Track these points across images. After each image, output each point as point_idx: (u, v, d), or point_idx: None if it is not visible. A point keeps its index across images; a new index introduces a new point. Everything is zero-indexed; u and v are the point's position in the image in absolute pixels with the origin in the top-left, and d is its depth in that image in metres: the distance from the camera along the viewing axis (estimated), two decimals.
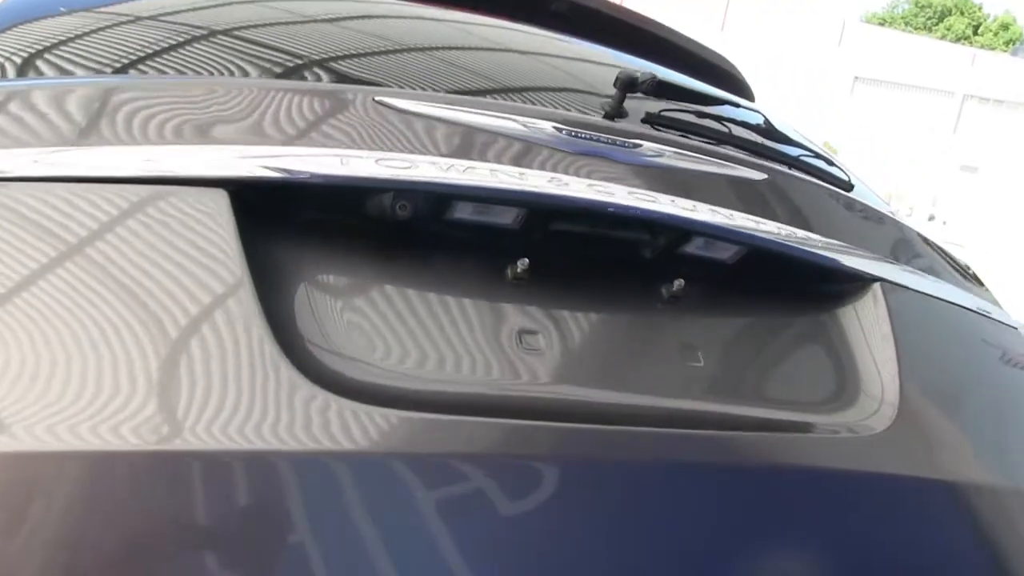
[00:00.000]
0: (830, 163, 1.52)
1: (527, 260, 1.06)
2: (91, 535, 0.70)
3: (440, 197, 1.01)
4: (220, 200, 0.86)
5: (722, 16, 46.69)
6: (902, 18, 66.69)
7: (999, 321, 1.41)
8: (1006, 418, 1.27)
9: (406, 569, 0.80)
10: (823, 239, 1.23)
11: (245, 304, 0.82)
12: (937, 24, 64.71)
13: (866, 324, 1.23)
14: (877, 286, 1.24)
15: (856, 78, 44.19)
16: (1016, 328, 1.44)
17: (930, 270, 1.37)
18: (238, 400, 0.78)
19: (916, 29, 60.39)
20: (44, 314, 0.76)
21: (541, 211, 1.06)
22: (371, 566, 0.78)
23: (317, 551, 0.76)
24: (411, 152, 1.00)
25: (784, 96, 44.62)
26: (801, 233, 1.21)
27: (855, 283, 1.26)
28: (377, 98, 1.03)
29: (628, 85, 1.18)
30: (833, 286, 1.27)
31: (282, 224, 0.94)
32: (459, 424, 0.87)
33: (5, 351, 0.74)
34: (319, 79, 1.15)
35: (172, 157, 0.87)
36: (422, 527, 0.81)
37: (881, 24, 58.86)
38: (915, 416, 1.13)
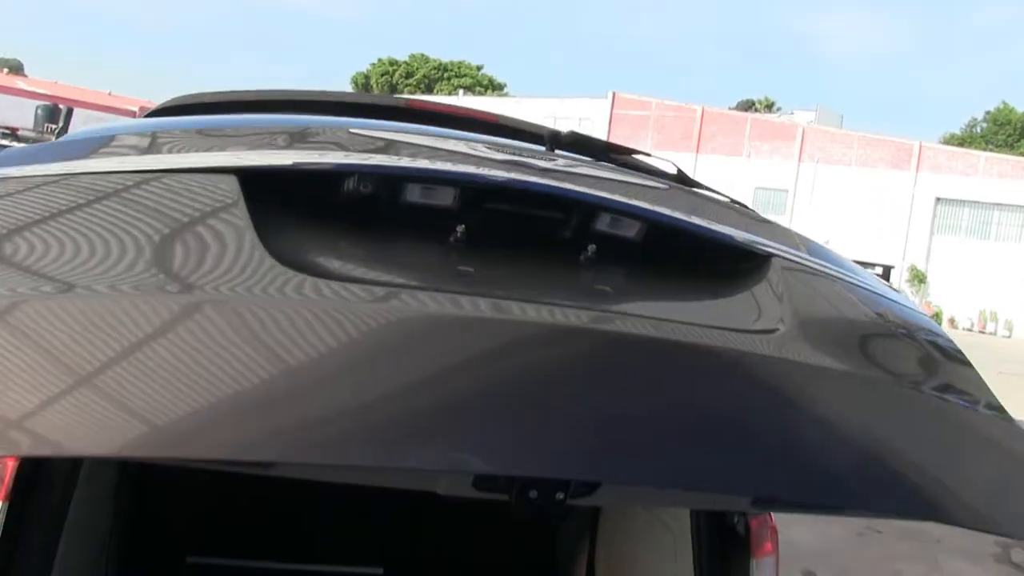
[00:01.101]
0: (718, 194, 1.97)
1: (463, 226, 1.46)
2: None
3: (392, 178, 1.47)
4: (233, 181, 1.40)
5: (797, 150, 48.14)
6: (982, 137, 66.85)
7: (842, 277, 1.81)
8: (856, 330, 1.72)
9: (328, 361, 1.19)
10: (716, 224, 1.68)
11: (247, 232, 1.32)
12: (1019, 140, 64.62)
13: (769, 279, 1.66)
14: (774, 259, 1.70)
15: (938, 199, 44.74)
16: (859, 282, 1.86)
17: (810, 251, 1.83)
18: (239, 275, 1.24)
19: (997, 147, 60.45)
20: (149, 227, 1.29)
21: (473, 190, 1.49)
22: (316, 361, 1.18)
23: (292, 355, 1.17)
24: (372, 153, 1.50)
25: (866, 221, 45.54)
26: (695, 218, 1.64)
27: (759, 258, 1.70)
28: (352, 130, 1.59)
29: (553, 137, 1.71)
30: (745, 263, 1.71)
31: (279, 198, 1.42)
32: (385, 291, 1.30)
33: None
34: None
35: (212, 158, 1.47)
36: (356, 344, 1.23)
37: (960, 144, 59.18)
38: (798, 328, 1.54)
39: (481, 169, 1.51)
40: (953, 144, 59.26)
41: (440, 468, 1.33)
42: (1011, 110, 68.19)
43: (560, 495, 1.44)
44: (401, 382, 1.23)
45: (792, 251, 1.77)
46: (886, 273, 46.16)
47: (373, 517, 3.21)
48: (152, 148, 1.51)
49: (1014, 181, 43.66)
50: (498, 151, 1.59)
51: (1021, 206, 43.77)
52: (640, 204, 1.60)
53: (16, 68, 60.63)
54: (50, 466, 1.95)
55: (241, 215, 1.33)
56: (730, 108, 56.96)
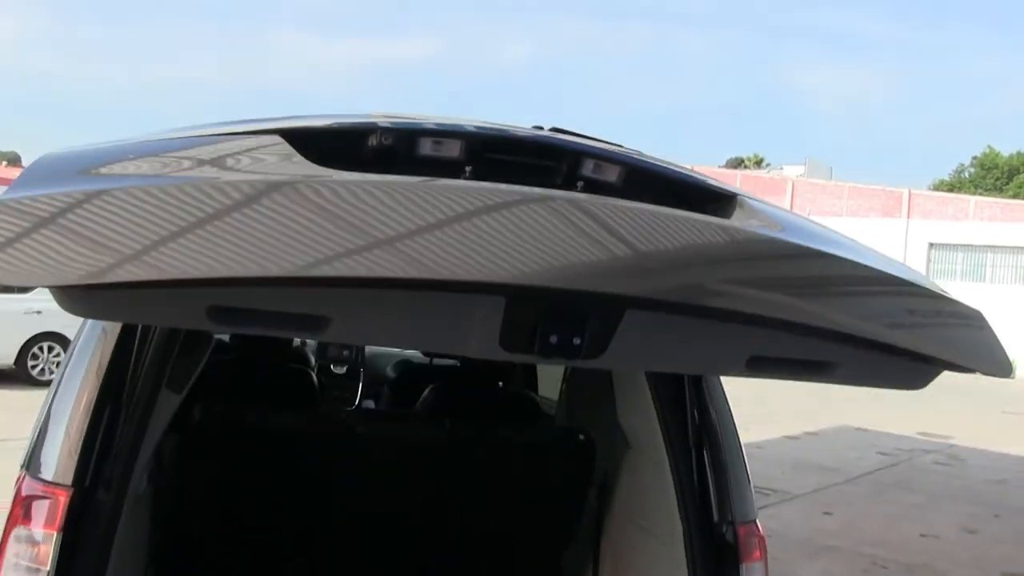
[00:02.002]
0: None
1: (470, 167, 1.75)
2: None
3: (408, 133, 1.78)
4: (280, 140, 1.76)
5: (788, 203, 48.74)
6: (970, 182, 67.69)
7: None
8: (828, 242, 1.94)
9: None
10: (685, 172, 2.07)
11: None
12: (1007, 183, 65.51)
13: (735, 206, 2.00)
14: (739, 197, 2.04)
15: (931, 245, 45.19)
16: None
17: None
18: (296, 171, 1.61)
19: (986, 191, 61.28)
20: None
21: (476, 142, 1.79)
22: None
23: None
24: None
25: None
26: (670, 166, 2.01)
27: (728, 198, 2.03)
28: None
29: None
30: (714, 204, 2.01)
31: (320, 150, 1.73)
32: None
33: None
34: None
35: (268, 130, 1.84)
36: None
37: (950, 190, 60.01)
38: (743, 219, 1.92)
39: None
40: (943, 190, 60.12)
41: (473, 279, 1.45)
42: (996, 154, 69.20)
43: (577, 340, 1.58)
44: (439, 217, 1.44)
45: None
46: None
47: (385, 563, 3.29)
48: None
49: (1005, 224, 44.17)
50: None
51: (1014, 247, 44.22)
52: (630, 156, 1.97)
53: (13, 160, 61.51)
54: (97, 499, 2.23)
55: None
56: (720, 167, 57.72)
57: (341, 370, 5.76)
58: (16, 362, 12.21)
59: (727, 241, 1.66)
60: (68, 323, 12.48)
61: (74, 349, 2.49)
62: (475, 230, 1.44)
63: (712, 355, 1.83)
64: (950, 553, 8.12)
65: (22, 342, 12.17)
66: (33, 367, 12.21)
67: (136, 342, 2.35)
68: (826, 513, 9.25)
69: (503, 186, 1.56)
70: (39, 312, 12.06)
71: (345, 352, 5.71)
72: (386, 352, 6.11)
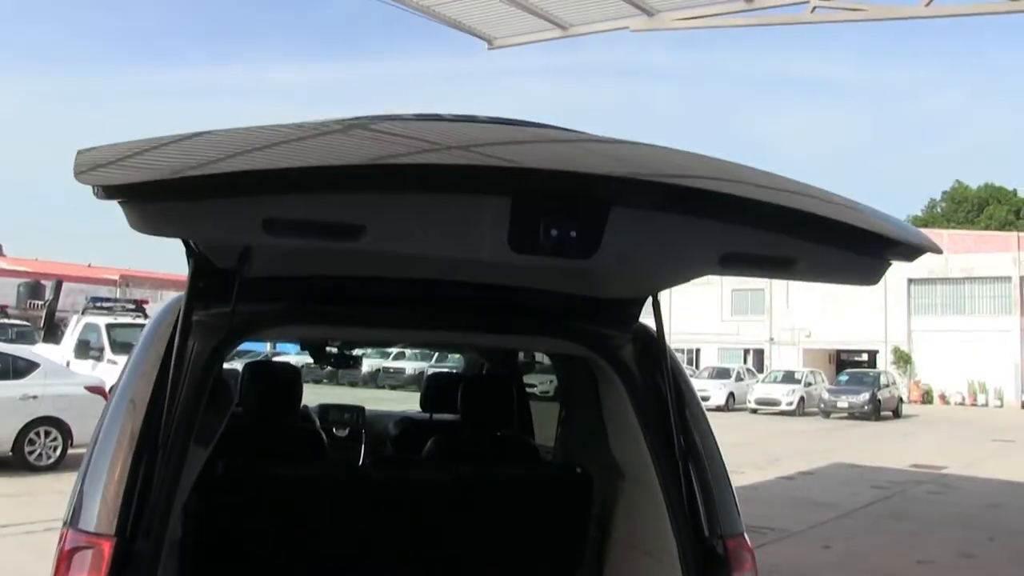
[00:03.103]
0: None
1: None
2: None
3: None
4: None
5: None
6: (943, 216, 68.70)
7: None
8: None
9: None
10: None
11: None
12: (978, 215, 66.62)
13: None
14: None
15: (910, 280, 45.78)
16: None
17: None
18: None
19: (958, 224, 62.19)
20: None
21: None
22: None
23: None
24: None
25: (844, 311, 46.27)
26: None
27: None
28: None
29: None
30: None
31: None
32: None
33: None
34: None
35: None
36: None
37: (924, 225, 60.99)
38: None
39: None
40: (917, 225, 60.75)
41: (490, 165, 1.85)
42: (966, 187, 70.51)
43: (573, 233, 1.87)
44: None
45: None
46: (872, 358, 46.82)
47: None
48: None
49: (979, 255, 44.86)
50: None
51: (989, 277, 44.89)
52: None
53: None
54: (137, 547, 2.37)
55: None
56: None
57: (343, 432, 5.88)
58: (13, 448, 12.13)
59: (694, 156, 2.03)
60: (64, 408, 12.51)
61: (105, 414, 2.67)
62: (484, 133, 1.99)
63: (690, 253, 2.09)
64: None
65: (18, 428, 12.01)
66: (30, 452, 12.13)
67: (166, 400, 2.53)
68: (825, 547, 9.38)
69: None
70: (35, 397, 12.12)
71: (346, 415, 5.84)
72: (386, 413, 6.27)
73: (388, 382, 34.61)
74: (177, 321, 2.61)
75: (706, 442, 2.94)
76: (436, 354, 20.81)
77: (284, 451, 3.53)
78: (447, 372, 6.61)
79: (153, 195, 1.65)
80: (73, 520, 2.44)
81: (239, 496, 3.19)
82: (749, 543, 2.81)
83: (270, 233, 1.76)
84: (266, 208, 1.73)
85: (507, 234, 1.85)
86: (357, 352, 6.05)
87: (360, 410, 5.84)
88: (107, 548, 2.36)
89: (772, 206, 1.91)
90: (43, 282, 36.22)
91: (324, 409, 5.73)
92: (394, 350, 33.64)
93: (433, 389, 4.81)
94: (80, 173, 1.60)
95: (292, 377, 3.85)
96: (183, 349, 2.59)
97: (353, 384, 33.41)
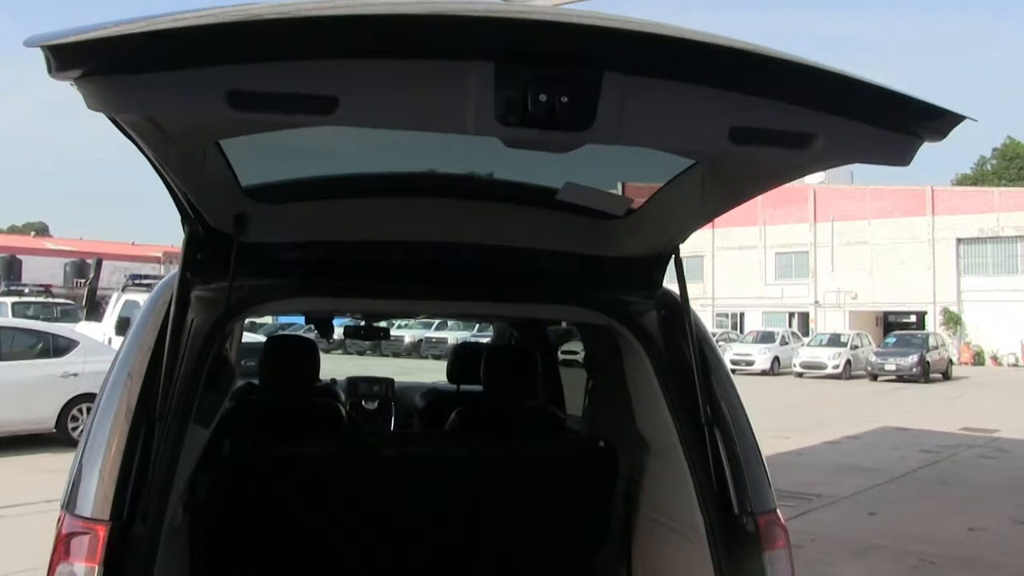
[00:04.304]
0: None
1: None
2: None
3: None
4: None
5: (811, 211, 48.50)
6: (993, 173, 67.09)
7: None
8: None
9: None
10: None
11: None
12: None
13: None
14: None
15: (959, 240, 44.79)
16: None
17: None
18: None
19: (1009, 182, 60.66)
20: None
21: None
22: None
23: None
24: None
25: (891, 272, 45.48)
26: None
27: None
28: None
29: None
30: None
31: None
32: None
33: None
34: None
35: None
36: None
37: (974, 183, 59.34)
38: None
39: None
40: (967, 184, 59.58)
41: (471, 14, 1.57)
42: (1018, 143, 68.57)
43: (564, 99, 1.66)
44: None
45: None
46: (920, 320, 46.05)
47: None
48: None
49: None
50: None
51: None
52: None
53: (42, 230, 62.92)
54: (134, 532, 2.31)
55: None
56: None
57: (373, 405, 5.82)
58: (56, 425, 12.36)
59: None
60: None
61: (103, 392, 2.59)
62: None
63: (695, 125, 1.85)
64: (1001, 544, 8.00)
65: (61, 405, 12.25)
66: (73, 429, 12.30)
67: (162, 380, 2.44)
68: (871, 513, 9.15)
69: None
70: (76, 375, 12.26)
71: (375, 387, 5.78)
72: (416, 385, 6.18)
73: (431, 352, 34.67)
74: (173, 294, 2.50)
75: (735, 414, 2.76)
76: (477, 325, 20.66)
77: (302, 431, 3.43)
78: (473, 343, 6.50)
79: (109, 67, 1.52)
80: (70, 504, 2.36)
81: (245, 476, 3.09)
82: (782, 519, 2.65)
83: (235, 107, 1.61)
84: (229, 77, 1.59)
85: (492, 102, 1.66)
86: (383, 324, 5.98)
87: (389, 382, 5.77)
88: (103, 533, 2.29)
89: (787, 69, 1.67)
90: (88, 261, 36.85)
91: (352, 382, 5.67)
92: (435, 321, 34.08)
93: (460, 360, 4.68)
94: (34, 44, 1.45)
95: (309, 350, 3.74)
96: (180, 321, 2.49)
97: (397, 355, 33.70)
